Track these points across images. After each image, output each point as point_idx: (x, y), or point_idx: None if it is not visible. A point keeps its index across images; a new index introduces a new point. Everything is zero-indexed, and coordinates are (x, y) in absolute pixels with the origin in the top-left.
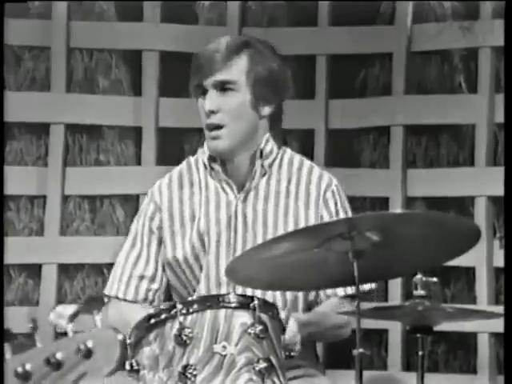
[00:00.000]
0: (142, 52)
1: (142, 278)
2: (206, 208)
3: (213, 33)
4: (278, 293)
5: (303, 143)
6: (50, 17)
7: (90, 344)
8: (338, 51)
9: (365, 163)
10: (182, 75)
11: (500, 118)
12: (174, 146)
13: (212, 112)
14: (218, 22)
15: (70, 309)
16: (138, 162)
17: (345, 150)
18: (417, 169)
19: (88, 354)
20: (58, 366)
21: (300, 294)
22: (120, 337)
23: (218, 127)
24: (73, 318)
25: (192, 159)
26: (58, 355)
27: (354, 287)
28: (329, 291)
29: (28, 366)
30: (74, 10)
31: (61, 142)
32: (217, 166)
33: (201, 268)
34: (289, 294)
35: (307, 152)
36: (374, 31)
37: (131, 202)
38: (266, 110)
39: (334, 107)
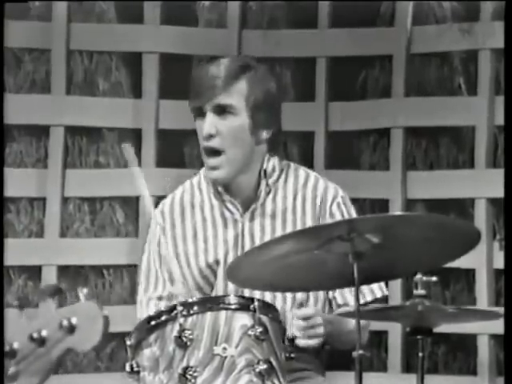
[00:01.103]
0: (142, 54)
1: (160, 298)
2: (213, 229)
3: (213, 35)
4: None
5: (303, 145)
6: (50, 18)
7: (73, 319)
8: (337, 53)
9: (365, 165)
10: (181, 77)
11: (500, 120)
12: (174, 148)
13: (210, 136)
14: (218, 23)
15: (53, 285)
16: (138, 164)
17: (345, 152)
18: (417, 171)
19: (71, 329)
20: (42, 342)
21: (321, 296)
22: (104, 312)
23: (217, 153)
24: (56, 293)
25: (194, 180)
26: (42, 331)
27: (364, 296)
28: (339, 301)
29: (15, 344)
30: (74, 10)
31: (61, 144)
32: (221, 188)
33: (211, 287)
34: (312, 294)
35: (307, 154)
36: (373, 33)
37: (131, 204)
38: (264, 135)
39: (334, 109)
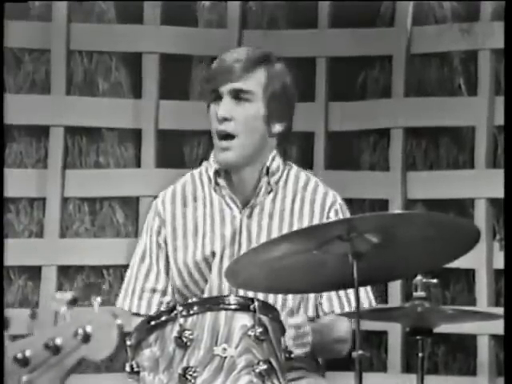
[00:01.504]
0: (142, 54)
1: (153, 291)
2: (211, 224)
3: (213, 35)
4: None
5: (303, 145)
6: (50, 18)
7: (88, 328)
8: (337, 53)
9: (365, 165)
10: (182, 77)
11: (500, 120)
12: (174, 149)
13: (225, 119)
14: (218, 23)
15: (69, 295)
16: (138, 164)
17: (345, 153)
18: (417, 171)
19: (86, 338)
20: (56, 350)
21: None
22: (119, 321)
23: (230, 137)
24: (72, 303)
25: (196, 172)
26: (57, 340)
27: (350, 305)
28: (326, 308)
29: (27, 352)
30: (74, 10)
31: (60, 145)
32: (222, 182)
33: (205, 281)
34: (297, 297)
35: (307, 154)
36: (373, 33)
37: (131, 204)
38: (277, 128)
39: (333, 110)
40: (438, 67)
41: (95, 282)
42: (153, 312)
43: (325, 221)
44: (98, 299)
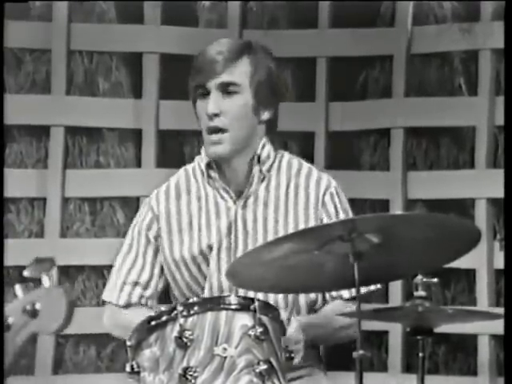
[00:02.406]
0: (143, 54)
1: (135, 284)
2: (206, 217)
3: (213, 35)
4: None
5: (303, 146)
6: (50, 18)
7: (36, 304)
8: (338, 53)
9: (365, 165)
10: (182, 77)
11: (500, 120)
12: (174, 149)
13: (215, 115)
14: (219, 23)
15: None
16: (138, 165)
17: (345, 153)
18: (417, 171)
19: (34, 313)
20: (7, 328)
21: (301, 296)
22: (69, 295)
23: (221, 131)
24: (22, 281)
25: (189, 167)
26: (8, 319)
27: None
28: (334, 293)
29: None
30: (75, 10)
31: (61, 145)
32: (214, 174)
33: (204, 277)
34: (290, 295)
35: (307, 154)
36: (374, 33)
37: (131, 204)
38: (266, 115)
39: (334, 109)
40: (439, 67)
41: (46, 258)
42: (133, 304)
43: (320, 206)
44: (49, 273)
